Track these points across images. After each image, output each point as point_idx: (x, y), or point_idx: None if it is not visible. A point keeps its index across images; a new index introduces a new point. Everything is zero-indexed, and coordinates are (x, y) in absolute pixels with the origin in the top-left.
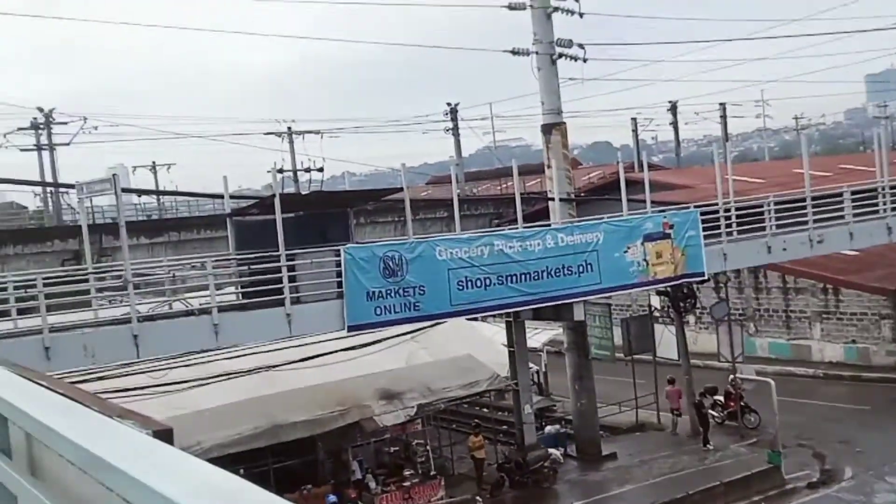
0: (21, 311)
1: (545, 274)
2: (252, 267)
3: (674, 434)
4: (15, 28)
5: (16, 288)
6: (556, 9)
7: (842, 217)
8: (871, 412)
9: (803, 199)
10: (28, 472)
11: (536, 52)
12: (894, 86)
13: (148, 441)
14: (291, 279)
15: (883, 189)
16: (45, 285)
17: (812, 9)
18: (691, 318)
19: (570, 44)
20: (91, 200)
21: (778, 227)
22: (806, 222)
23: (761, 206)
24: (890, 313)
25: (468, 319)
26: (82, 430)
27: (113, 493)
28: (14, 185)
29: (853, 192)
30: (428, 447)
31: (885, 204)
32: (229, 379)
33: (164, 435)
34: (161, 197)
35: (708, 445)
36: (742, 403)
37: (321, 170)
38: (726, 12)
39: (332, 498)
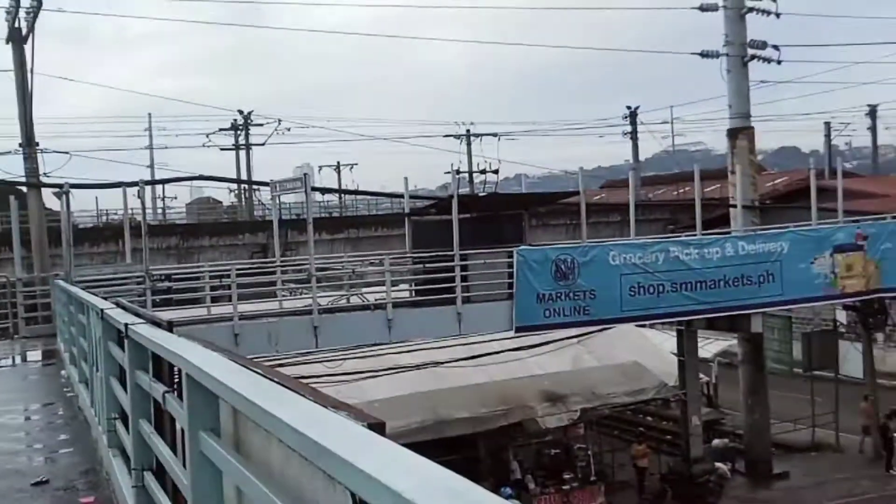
0: (214, 300)
1: (722, 283)
2: (427, 265)
3: (860, 452)
4: (219, 34)
5: (210, 277)
6: (750, 9)
7: None
8: None
9: None
10: (234, 449)
11: (727, 54)
12: None
13: (365, 433)
14: (464, 279)
15: None
16: (236, 276)
17: None
18: (880, 336)
19: (763, 45)
20: (279, 197)
21: None
22: None
23: None
24: None
25: (637, 326)
26: (299, 416)
27: (334, 481)
28: (214, 181)
29: None
30: (589, 452)
31: None
32: (398, 372)
33: (378, 428)
34: (343, 195)
35: (892, 471)
36: None
37: (496, 171)
38: None
39: (509, 491)
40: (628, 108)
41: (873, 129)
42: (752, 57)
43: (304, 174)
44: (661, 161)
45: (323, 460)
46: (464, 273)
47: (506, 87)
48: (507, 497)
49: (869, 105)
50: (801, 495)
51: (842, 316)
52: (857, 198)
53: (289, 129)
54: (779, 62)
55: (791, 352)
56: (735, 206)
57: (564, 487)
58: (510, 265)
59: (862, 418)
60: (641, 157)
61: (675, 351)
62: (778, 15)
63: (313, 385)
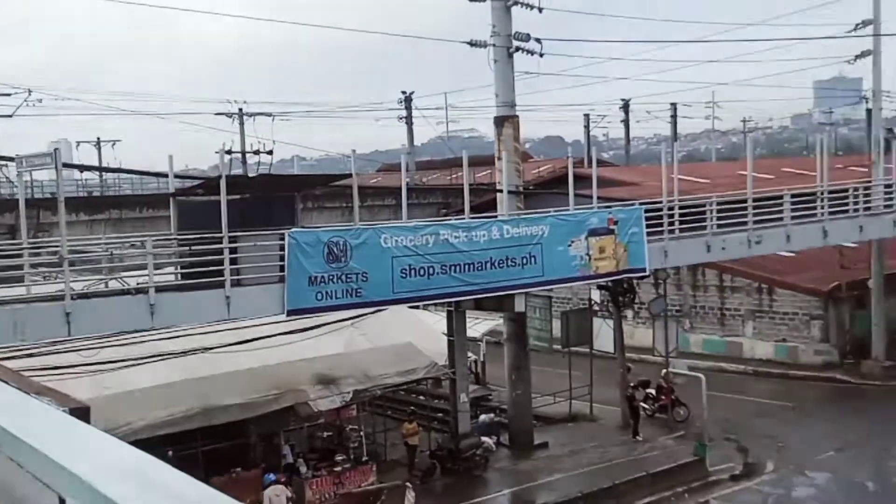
0: None
1: (489, 265)
2: (193, 248)
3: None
4: None
5: None
6: (515, 2)
7: (780, 219)
8: (796, 409)
9: (745, 201)
10: None
11: (493, 45)
12: (841, 93)
13: (64, 418)
14: (233, 261)
15: (822, 193)
16: None
17: (766, 14)
18: (630, 313)
19: (527, 38)
20: (31, 174)
21: (719, 226)
22: (746, 223)
23: (703, 206)
24: (821, 314)
25: (410, 307)
26: None
27: (23, 470)
28: None
29: (793, 196)
30: (362, 433)
31: (822, 208)
32: (163, 360)
33: (81, 413)
34: (105, 174)
35: (637, 437)
36: (673, 397)
37: (271, 153)
38: (683, 14)
39: (271, 477)
40: (403, 92)
41: (626, 122)
42: (517, 48)
43: (56, 149)
44: (436, 146)
45: (11, 448)
46: (233, 256)
47: (283, 66)
48: (269, 484)
49: (622, 99)
50: (559, 463)
51: (596, 295)
52: (611, 185)
53: (40, 101)
54: (541, 55)
55: (551, 329)
56: (501, 191)
57: (336, 469)
58: (282, 248)
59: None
60: (417, 142)
61: (446, 331)
62: (541, 10)
63: (63, 376)
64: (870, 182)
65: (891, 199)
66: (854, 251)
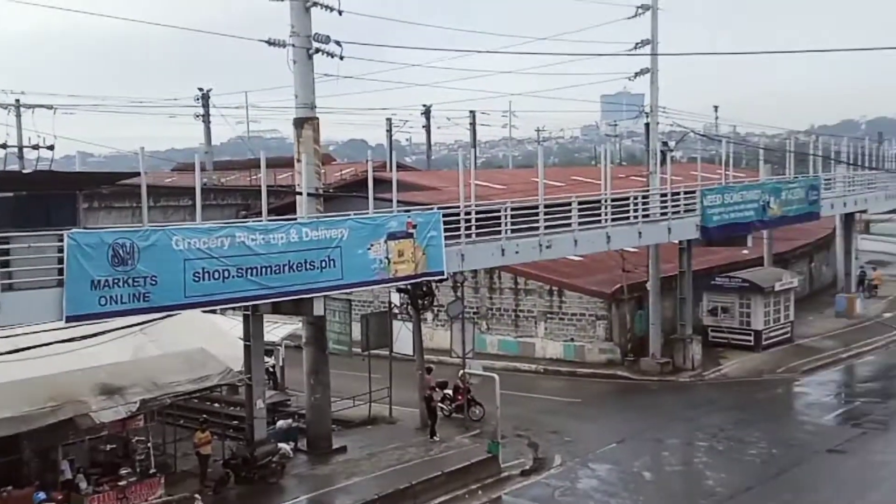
0: None
1: (287, 268)
2: None
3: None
4: None
5: None
6: (315, 3)
7: (569, 225)
8: (581, 405)
9: (536, 207)
10: None
11: (293, 45)
12: (626, 107)
13: None
14: (5, 264)
15: (605, 201)
16: None
17: (560, 29)
18: (429, 316)
19: (327, 39)
20: None
21: (513, 231)
22: (538, 228)
23: (499, 211)
24: (605, 314)
25: (204, 312)
26: None
27: None
28: None
29: (580, 203)
30: (149, 444)
31: (606, 215)
32: None
33: None
34: None
35: (434, 437)
36: (469, 397)
37: (52, 147)
38: (484, 24)
39: (41, 495)
40: (200, 89)
41: (428, 128)
42: (318, 50)
43: None
44: (236, 146)
45: None
46: (4, 258)
47: (68, 57)
48: (39, 503)
49: (424, 105)
50: (357, 466)
51: (396, 298)
52: (412, 189)
53: None
54: (341, 57)
55: (351, 333)
56: (300, 194)
57: (121, 483)
58: (61, 249)
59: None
60: (217, 142)
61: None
62: (340, 12)
63: None
64: (647, 191)
65: (665, 207)
66: (635, 255)
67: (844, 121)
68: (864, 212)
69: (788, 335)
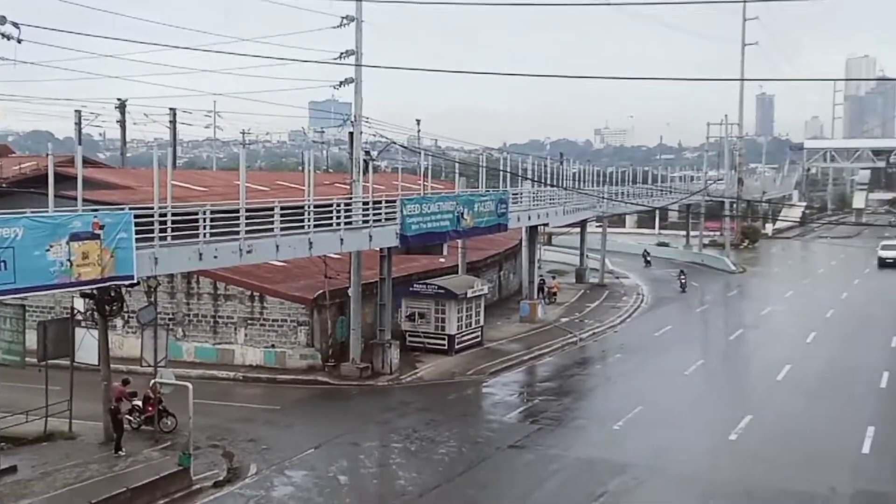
0: None
1: None
2: None
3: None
4: None
5: None
6: None
7: (271, 230)
8: (280, 411)
9: (238, 210)
10: None
11: None
12: (333, 115)
13: None
14: None
15: (309, 207)
16: None
17: (268, 31)
18: (119, 322)
19: (2, 20)
20: None
21: (213, 234)
22: (238, 232)
23: (197, 214)
24: (307, 320)
25: None
26: None
27: None
28: None
29: (283, 208)
30: None
31: (309, 221)
32: None
33: None
34: None
35: (120, 452)
36: (160, 408)
37: None
38: (189, 20)
39: None
40: None
41: (123, 123)
42: None
43: None
44: None
45: None
46: None
47: None
48: None
49: (119, 99)
50: (27, 488)
51: (80, 303)
52: (104, 188)
53: None
54: (19, 40)
55: (24, 342)
56: None
57: None
58: None
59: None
60: None
61: None
62: None
63: None
64: (350, 199)
65: (367, 215)
66: (337, 262)
67: (532, 140)
68: (547, 225)
69: (479, 339)
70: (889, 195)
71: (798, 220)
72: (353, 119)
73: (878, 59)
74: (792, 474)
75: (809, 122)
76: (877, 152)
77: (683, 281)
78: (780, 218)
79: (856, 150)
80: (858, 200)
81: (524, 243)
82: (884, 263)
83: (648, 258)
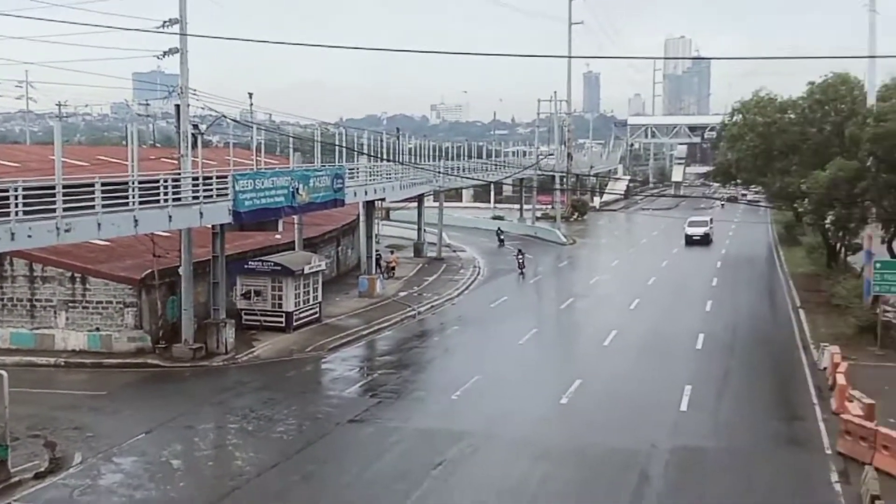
0: None
1: None
2: None
3: None
4: None
5: None
6: None
7: (92, 207)
8: (107, 397)
9: (54, 187)
10: None
11: None
12: (160, 87)
13: None
14: None
15: (133, 183)
16: None
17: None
18: None
19: None
20: None
21: (26, 213)
22: (55, 210)
23: (8, 191)
24: (134, 301)
25: None
26: None
27: None
28: None
29: (105, 184)
30: None
31: (134, 197)
32: None
33: None
34: None
35: None
36: None
37: None
38: None
39: None
40: None
41: None
42: None
43: None
44: None
45: None
46: None
47: None
48: None
49: None
50: None
51: None
52: None
53: None
54: None
55: None
56: None
57: None
58: None
59: None
60: None
61: None
62: None
63: None
64: (179, 174)
65: (197, 191)
66: (167, 240)
67: (369, 115)
68: (384, 200)
69: (317, 315)
70: (704, 169)
71: (623, 193)
72: (179, 91)
73: (693, 40)
74: (618, 433)
75: (632, 99)
76: (693, 128)
77: (521, 260)
78: (606, 191)
79: (674, 126)
80: (677, 174)
81: (362, 218)
82: (691, 241)
83: (502, 237)
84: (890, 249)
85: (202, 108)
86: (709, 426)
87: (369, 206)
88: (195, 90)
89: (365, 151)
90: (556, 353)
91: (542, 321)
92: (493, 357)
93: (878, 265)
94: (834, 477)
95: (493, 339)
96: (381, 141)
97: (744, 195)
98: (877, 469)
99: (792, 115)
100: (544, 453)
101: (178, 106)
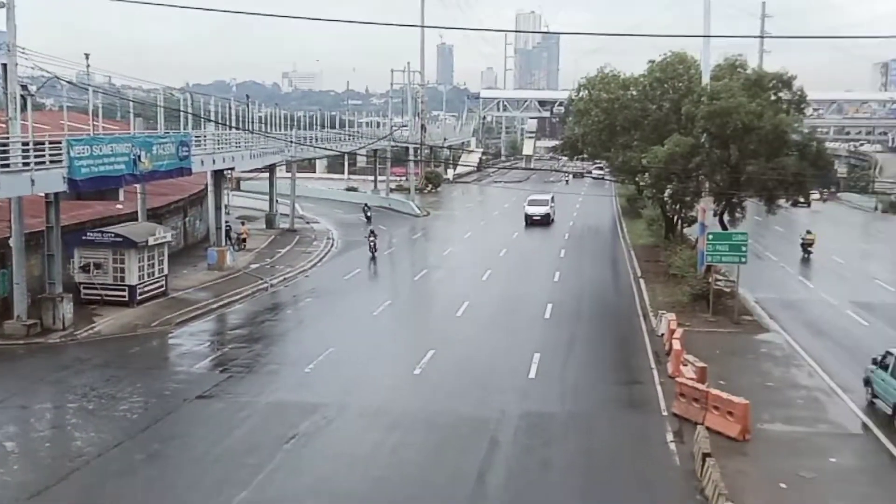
0: None
1: None
2: None
3: None
4: None
5: None
6: None
7: None
8: None
9: None
10: None
11: None
12: None
13: None
14: None
15: None
16: None
17: None
18: None
19: None
20: None
21: None
22: None
23: None
24: None
25: None
26: None
27: None
28: None
29: None
30: None
31: None
32: None
33: None
34: None
35: None
36: None
37: None
38: None
39: None
40: None
41: None
42: None
43: None
44: None
45: None
46: None
47: None
48: None
49: None
50: None
51: None
52: None
53: None
54: None
55: None
56: None
57: None
58: None
59: None
60: None
61: None
62: None
63: None
64: (6, 139)
65: (28, 157)
66: None
67: (217, 81)
68: (233, 169)
69: (163, 289)
70: (553, 143)
71: (476, 165)
72: (7, 48)
73: (543, 16)
74: (469, 401)
75: (485, 72)
76: (542, 103)
77: (373, 243)
78: (460, 163)
79: (524, 100)
80: (528, 147)
81: (210, 188)
82: (531, 221)
83: (369, 213)
84: (722, 222)
85: (33, 69)
86: (555, 392)
87: (218, 175)
88: (24, 48)
89: (213, 119)
90: (410, 325)
91: (395, 293)
92: (347, 329)
93: (710, 237)
94: (669, 437)
95: (347, 311)
96: (230, 108)
97: (590, 172)
98: (708, 428)
99: (634, 92)
100: (396, 423)
101: (4, 65)
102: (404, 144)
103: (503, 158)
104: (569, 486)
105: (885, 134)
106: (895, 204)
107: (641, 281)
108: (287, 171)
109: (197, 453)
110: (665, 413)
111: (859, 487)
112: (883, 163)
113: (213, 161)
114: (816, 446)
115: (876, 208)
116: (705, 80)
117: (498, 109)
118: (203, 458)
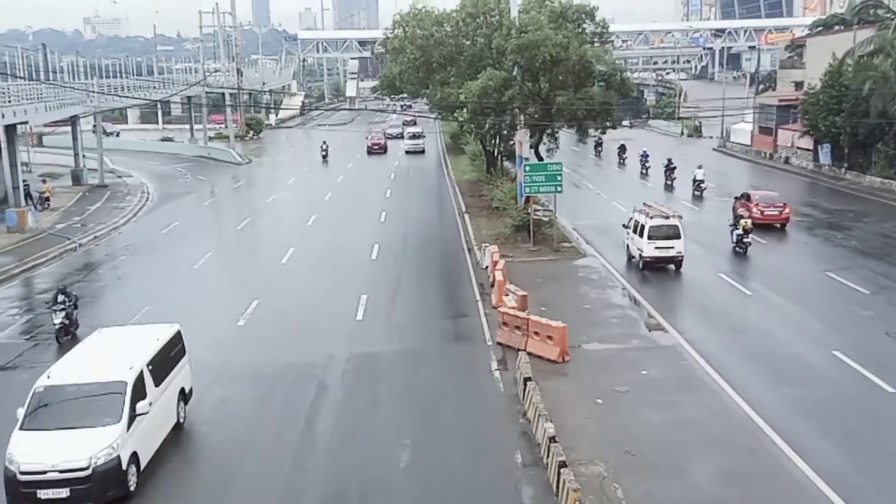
0: None
1: None
2: None
3: None
4: None
5: None
6: None
7: None
8: None
9: None
10: None
11: None
12: None
13: None
14: None
15: None
16: None
17: None
18: None
19: None
20: None
21: None
22: None
23: None
24: None
25: None
26: None
27: None
28: None
29: None
30: None
31: None
32: None
33: None
34: None
35: None
36: None
37: None
38: None
39: None
40: None
41: None
42: None
43: None
44: None
45: None
46: None
47: None
48: None
49: None
50: None
51: None
52: None
53: None
54: None
55: None
56: None
57: None
58: None
59: None
60: None
61: None
62: None
63: None
64: None
65: None
66: None
67: (11, 30)
68: (26, 123)
69: None
70: (376, 82)
71: (299, 109)
72: None
73: None
74: (296, 349)
75: (303, 13)
76: (363, 43)
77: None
78: (282, 108)
79: (345, 41)
80: (351, 89)
81: (3, 145)
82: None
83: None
84: (538, 153)
85: None
86: (383, 331)
87: (10, 130)
88: None
89: (5, 71)
90: (233, 276)
91: (217, 244)
92: (166, 285)
93: (527, 168)
94: (494, 365)
95: (166, 266)
96: (23, 58)
97: (410, 106)
98: (529, 353)
99: (448, 28)
100: (219, 377)
101: None
102: (220, 90)
103: (327, 101)
104: (396, 422)
105: (689, 62)
106: (699, 129)
107: (466, 216)
108: (94, 124)
109: None
110: (490, 343)
111: (667, 396)
112: (687, 90)
113: (3, 115)
114: (630, 361)
115: (682, 133)
116: (514, 13)
117: (318, 51)
118: (3, 434)
